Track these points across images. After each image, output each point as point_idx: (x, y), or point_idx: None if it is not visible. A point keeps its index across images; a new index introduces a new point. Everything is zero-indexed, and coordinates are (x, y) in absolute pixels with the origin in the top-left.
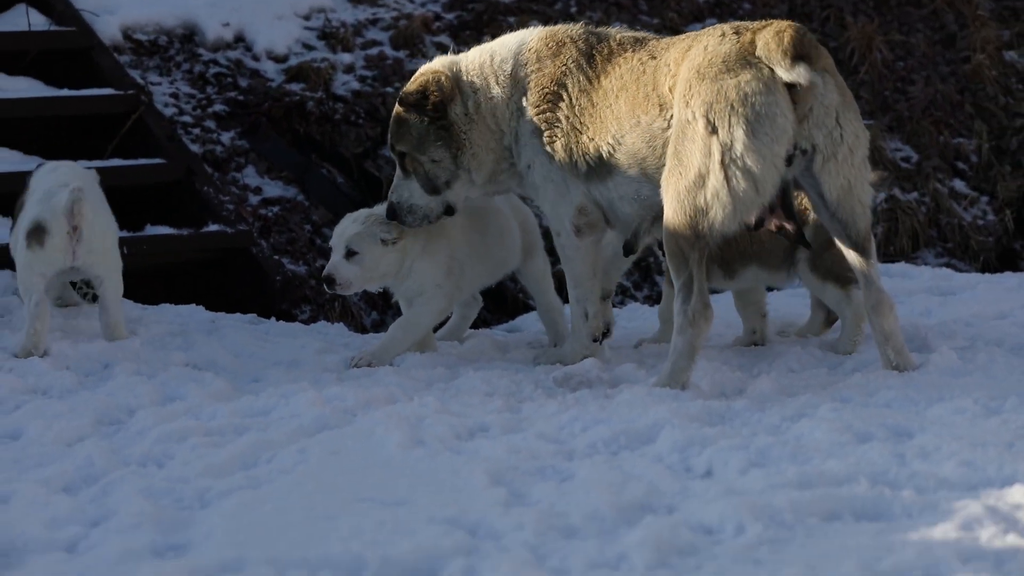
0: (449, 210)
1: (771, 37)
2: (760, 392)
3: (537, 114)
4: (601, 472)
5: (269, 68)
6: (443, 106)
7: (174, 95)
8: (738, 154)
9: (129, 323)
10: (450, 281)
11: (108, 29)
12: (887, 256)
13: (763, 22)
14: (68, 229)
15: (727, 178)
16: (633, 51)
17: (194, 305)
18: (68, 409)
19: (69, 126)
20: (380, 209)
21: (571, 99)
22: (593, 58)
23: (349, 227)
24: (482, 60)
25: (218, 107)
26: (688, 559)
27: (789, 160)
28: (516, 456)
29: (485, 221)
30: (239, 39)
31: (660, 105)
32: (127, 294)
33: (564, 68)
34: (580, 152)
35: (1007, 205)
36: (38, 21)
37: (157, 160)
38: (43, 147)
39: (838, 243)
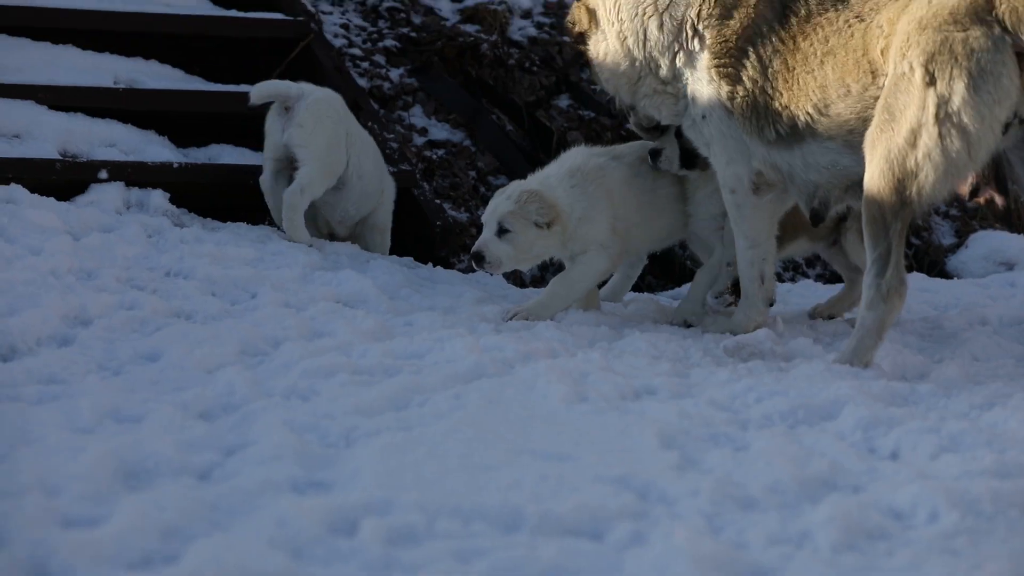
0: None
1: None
2: (946, 378)
3: (717, 67)
4: (780, 444)
5: (444, 7)
6: (582, 38)
7: (344, 26)
8: (955, 108)
9: (280, 254)
10: (615, 242)
11: None
12: None
13: None
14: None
15: (940, 136)
16: (836, 11)
17: (348, 243)
18: (211, 335)
19: (235, 48)
20: (534, 183)
21: (761, 61)
22: (787, 18)
23: (502, 204)
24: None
25: (389, 42)
26: (878, 543)
27: (1006, 128)
28: (687, 421)
29: (655, 185)
30: None
31: (872, 72)
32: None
33: (752, 26)
34: (771, 118)
35: None
36: None
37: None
38: (207, 68)
39: None
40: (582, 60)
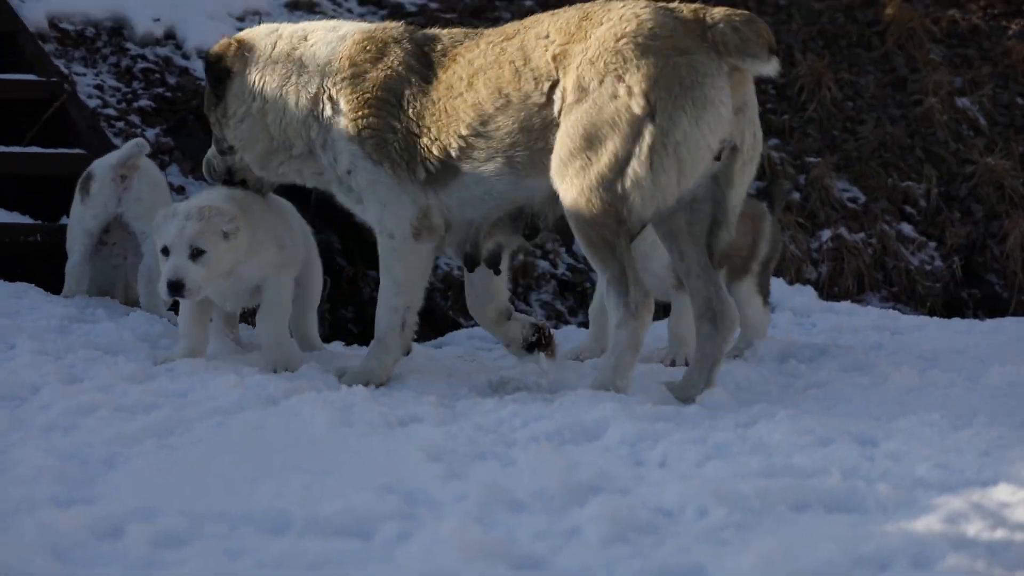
0: (230, 175)
1: (741, 23)
2: (712, 400)
3: (355, 121)
4: (546, 457)
5: (199, 67)
6: (227, 74)
7: (99, 87)
8: (677, 140)
9: (36, 308)
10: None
11: (33, 16)
12: (831, 296)
13: (700, 5)
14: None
15: (652, 166)
16: (472, 40)
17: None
18: None
19: None
20: (202, 199)
21: (402, 105)
22: (424, 58)
23: (188, 225)
24: (290, 57)
25: (144, 102)
26: (647, 536)
27: (718, 156)
28: (453, 441)
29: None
30: (169, 36)
31: (536, 79)
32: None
33: (388, 76)
34: (421, 156)
35: (955, 251)
36: None
37: (78, 150)
38: None
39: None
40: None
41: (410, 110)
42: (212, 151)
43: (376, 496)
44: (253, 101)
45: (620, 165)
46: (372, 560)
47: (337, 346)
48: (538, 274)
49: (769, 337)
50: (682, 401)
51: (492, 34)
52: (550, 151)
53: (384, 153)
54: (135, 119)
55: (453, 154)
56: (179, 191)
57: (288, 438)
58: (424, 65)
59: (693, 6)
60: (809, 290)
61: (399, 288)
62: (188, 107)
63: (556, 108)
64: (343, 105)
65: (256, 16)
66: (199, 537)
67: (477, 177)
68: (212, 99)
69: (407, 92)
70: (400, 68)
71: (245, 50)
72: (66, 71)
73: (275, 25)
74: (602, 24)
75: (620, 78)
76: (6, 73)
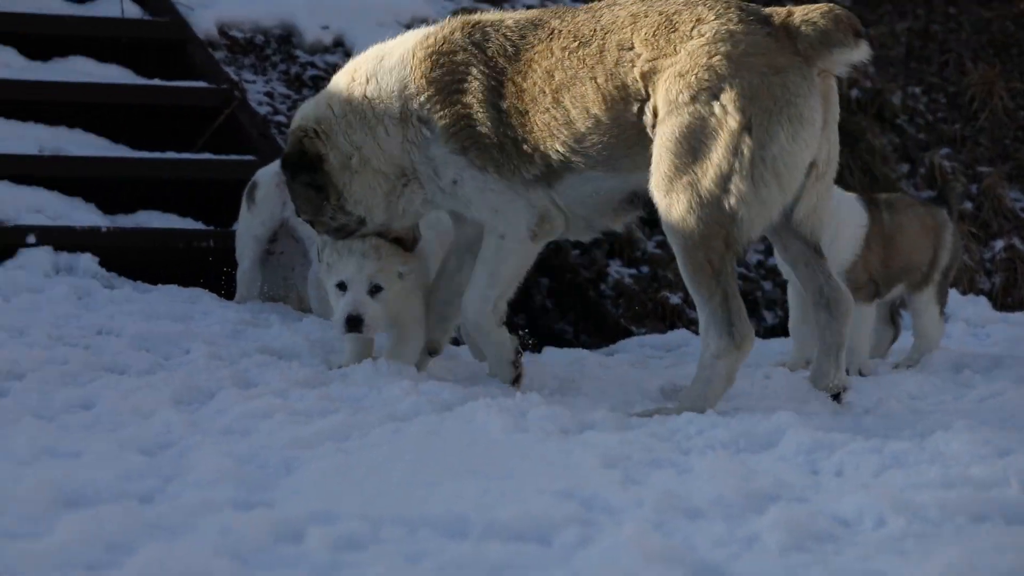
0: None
1: (818, 16)
2: (886, 410)
3: (454, 136)
4: (723, 465)
5: None
6: (320, 161)
7: (268, 94)
8: (774, 155)
9: (210, 313)
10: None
11: (203, 24)
12: (1004, 306)
13: (784, 9)
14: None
15: (754, 181)
16: (545, 45)
17: (280, 303)
18: (145, 385)
19: (160, 116)
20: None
21: (492, 115)
22: (497, 63)
23: (367, 263)
24: (357, 104)
25: None
26: (826, 544)
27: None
28: (628, 447)
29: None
30: (338, 43)
31: (625, 99)
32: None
33: (471, 91)
34: (524, 161)
35: None
36: (132, 10)
37: (248, 156)
38: (133, 136)
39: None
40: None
41: (501, 117)
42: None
43: (554, 501)
44: (351, 159)
45: (724, 180)
46: (552, 565)
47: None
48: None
49: (942, 347)
50: (823, 391)
51: (564, 35)
52: (649, 145)
53: (488, 158)
54: None
55: (554, 164)
56: None
57: (463, 443)
58: (498, 72)
59: (778, 9)
60: (983, 300)
61: (495, 281)
62: None
63: (649, 122)
64: (435, 123)
65: (424, 22)
66: (378, 540)
67: (583, 179)
68: (316, 194)
69: (493, 100)
70: (479, 76)
71: (314, 128)
72: (236, 78)
73: (321, 93)
74: (692, 39)
75: (715, 95)
76: (179, 80)
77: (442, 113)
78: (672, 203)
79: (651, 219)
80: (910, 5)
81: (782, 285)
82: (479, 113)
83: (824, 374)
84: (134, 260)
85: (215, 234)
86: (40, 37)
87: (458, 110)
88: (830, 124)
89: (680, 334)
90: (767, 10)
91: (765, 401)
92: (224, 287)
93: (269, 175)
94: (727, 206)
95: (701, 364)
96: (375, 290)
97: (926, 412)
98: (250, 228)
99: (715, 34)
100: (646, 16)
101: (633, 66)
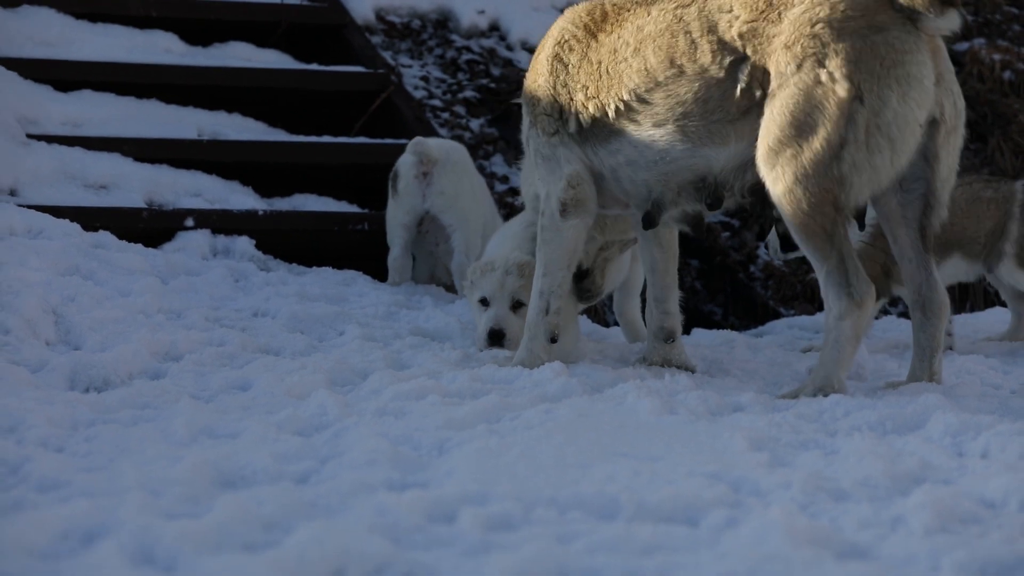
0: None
1: None
2: None
3: (535, 88)
4: (869, 446)
5: (523, 58)
6: None
7: (424, 79)
8: (887, 121)
9: (364, 295)
10: None
11: (361, 9)
12: None
13: None
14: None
15: (869, 148)
16: (644, 8)
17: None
18: (300, 367)
19: (317, 101)
20: (517, 254)
21: (567, 67)
22: (589, 27)
23: (509, 280)
24: None
25: (469, 93)
26: (971, 527)
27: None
28: (776, 429)
29: None
30: (493, 27)
31: (715, 52)
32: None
33: (559, 41)
34: (575, 111)
35: None
36: None
37: (404, 140)
38: (290, 120)
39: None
40: None
41: (567, 69)
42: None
43: (703, 483)
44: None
45: (834, 150)
46: (701, 546)
47: None
48: None
49: None
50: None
51: (666, 1)
52: (728, 122)
53: (540, 112)
54: (460, 110)
55: (612, 115)
56: (503, 180)
57: (613, 425)
58: (589, 32)
59: None
60: None
61: (543, 270)
62: (512, 98)
63: (739, 86)
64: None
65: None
66: (530, 521)
67: (645, 141)
68: None
69: (570, 58)
70: (567, 38)
71: None
72: (392, 63)
73: None
74: (794, 6)
75: (821, 63)
76: (336, 65)
77: (531, 76)
78: (779, 176)
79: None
80: None
81: None
82: (552, 70)
83: (915, 379)
84: (290, 243)
85: (369, 217)
86: (201, 22)
87: (538, 68)
88: (945, 77)
89: None
90: None
91: (911, 383)
92: (378, 269)
93: (408, 165)
94: (837, 173)
95: (827, 328)
96: (517, 305)
97: None
98: (396, 216)
99: (813, 1)
100: None
101: (731, 25)
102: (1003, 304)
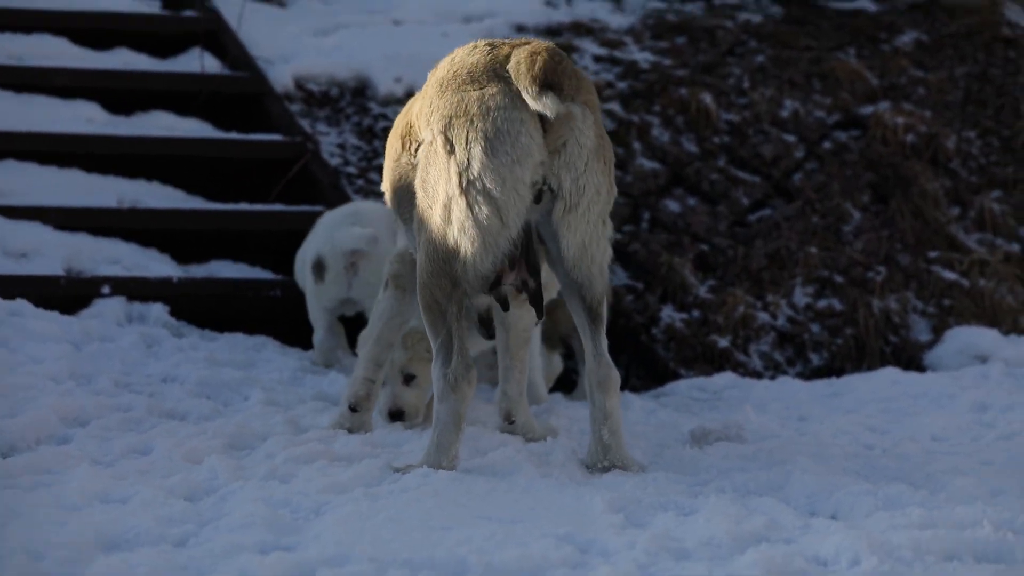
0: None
1: (524, 57)
2: (899, 452)
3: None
4: (724, 507)
5: None
6: None
7: (341, 146)
8: (476, 174)
9: (271, 360)
10: None
11: (281, 78)
12: None
13: (524, 40)
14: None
15: (468, 206)
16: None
17: None
18: (201, 432)
19: (236, 168)
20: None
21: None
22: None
23: (396, 355)
24: None
25: (383, 160)
26: None
27: (538, 194)
28: (641, 491)
29: None
30: (409, 94)
31: (403, 138)
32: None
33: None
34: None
35: None
36: (212, 65)
37: (320, 207)
38: (209, 187)
39: (570, 308)
40: None
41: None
42: None
43: (552, 544)
44: None
45: (445, 210)
46: None
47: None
48: (757, 325)
49: (971, 387)
50: None
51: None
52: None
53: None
54: (374, 176)
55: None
56: None
57: (486, 488)
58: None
59: (513, 41)
60: None
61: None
62: None
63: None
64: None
65: None
66: None
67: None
68: None
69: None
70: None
71: None
72: (310, 130)
73: None
74: (436, 73)
75: (428, 122)
76: (255, 133)
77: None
78: (418, 244)
79: (703, 264)
80: (970, 49)
81: (830, 328)
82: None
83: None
84: (204, 308)
85: (282, 283)
86: (124, 92)
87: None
88: (569, 149)
89: (726, 377)
90: (500, 40)
91: (787, 445)
92: (289, 334)
93: (338, 256)
94: (450, 239)
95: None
96: (408, 379)
97: (941, 454)
98: (320, 302)
99: (440, 66)
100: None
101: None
102: (898, 363)
